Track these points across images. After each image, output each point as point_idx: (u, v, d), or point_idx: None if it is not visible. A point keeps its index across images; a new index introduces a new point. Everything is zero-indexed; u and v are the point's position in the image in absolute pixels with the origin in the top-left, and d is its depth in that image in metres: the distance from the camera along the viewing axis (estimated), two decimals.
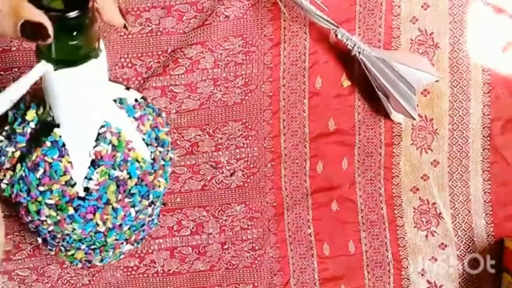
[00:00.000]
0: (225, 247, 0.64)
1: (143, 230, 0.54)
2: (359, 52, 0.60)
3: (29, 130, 0.45)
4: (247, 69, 0.63)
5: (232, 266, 0.65)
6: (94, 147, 0.44)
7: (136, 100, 0.49)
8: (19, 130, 0.45)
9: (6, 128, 0.46)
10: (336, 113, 0.65)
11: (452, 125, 0.65)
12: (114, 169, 0.45)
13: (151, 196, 0.48)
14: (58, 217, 0.45)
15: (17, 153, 0.45)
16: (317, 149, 0.65)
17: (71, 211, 0.45)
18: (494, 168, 0.65)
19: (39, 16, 0.34)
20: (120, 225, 0.48)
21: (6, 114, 0.47)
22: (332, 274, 0.65)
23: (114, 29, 0.62)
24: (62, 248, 0.52)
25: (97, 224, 0.46)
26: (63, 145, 0.44)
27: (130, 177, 0.46)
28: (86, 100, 0.42)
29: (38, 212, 0.46)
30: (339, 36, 0.60)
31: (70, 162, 0.44)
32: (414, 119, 0.60)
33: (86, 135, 0.45)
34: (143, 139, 0.47)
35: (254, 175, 0.64)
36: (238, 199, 0.64)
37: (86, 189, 0.45)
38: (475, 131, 0.65)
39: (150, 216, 0.52)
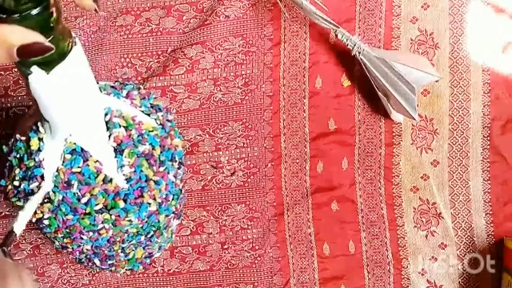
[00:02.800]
0: (225, 247, 0.64)
1: (182, 199, 0.55)
2: (359, 52, 0.60)
3: (41, 158, 0.45)
4: (247, 69, 0.63)
5: (232, 266, 0.65)
6: (109, 136, 0.45)
7: (112, 87, 0.50)
8: (32, 164, 0.45)
9: (16, 171, 0.46)
10: (336, 113, 0.65)
11: (452, 125, 0.65)
12: (137, 146, 0.46)
13: (177, 158, 0.50)
14: (113, 217, 0.46)
15: (43, 185, 0.45)
16: (317, 149, 0.65)
17: (121, 204, 0.46)
18: (494, 168, 0.65)
19: (29, 35, 0.32)
20: (166, 196, 0.49)
21: (9, 162, 0.47)
22: (332, 274, 0.65)
23: (114, 29, 0.62)
24: (122, 254, 0.53)
25: (149, 204, 0.47)
26: (82, 149, 0.44)
27: (153, 147, 0.47)
28: (85, 90, 0.42)
29: (93, 223, 0.46)
30: (339, 36, 0.60)
31: (97, 161, 0.45)
32: (414, 119, 0.60)
33: (97, 129, 0.45)
34: (142, 111, 0.49)
35: (254, 175, 0.64)
36: (238, 199, 0.64)
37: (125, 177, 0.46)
38: (475, 131, 0.65)
39: (181, 181, 0.53)
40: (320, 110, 0.64)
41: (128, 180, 0.46)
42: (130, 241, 0.50)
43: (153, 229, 0.51)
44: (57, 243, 0.51)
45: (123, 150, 0.45)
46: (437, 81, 0.61)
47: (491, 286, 0.65)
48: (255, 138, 0.64)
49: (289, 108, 0.64)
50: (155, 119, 0.49)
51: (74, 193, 0.44)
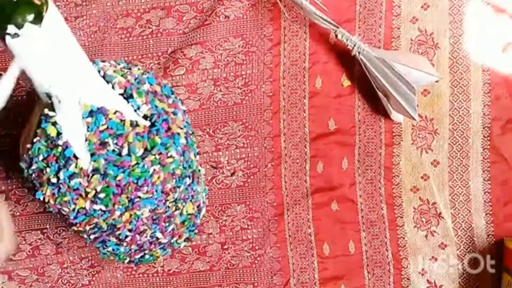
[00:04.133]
0: (225, 247, 0.64)
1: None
2: (359, 52, 0.60)
3: (65, 139, 0.46)
4: (247, 69, 0.63)
5: (232, 266, 0.65)
6: (113, 85, 0.48)
7: None
8: (59, 150, 0.46)
9: (48, 170, 0.47)
10: (336, 113, 0.65)
11: (452, 125, 0.65)
12: (139, 87, 0.49)
13: (172, 95, 0.53)
14: (157, 156, 0.47)
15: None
16: (317, 149, 0.65)
17: (158, 139, 0.47)
18: (494, 168, 0.65)
19: None
20: (187, 130, 0.52)
21: (33, 172, 0.48)
22: (332, 274, 0.65)
23: (115, 31, 0.62)
24: (177, 213, 0.53)
25: (179, 134, 0.50)
26: (97, 108, 0.46)
27: (151, 85, 0.51)
28: (72, 45, 0.44)
29: (143, 170, 0.47)
30: (339, 36, 0.60)
31: (116, 112, 0.46)
32: (414, 119, 0.60)
33: (99, 83, 0.47)
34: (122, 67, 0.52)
35: (254, 175, 0.64)
36: (238, 199, 0.64)
37: (145, 117, 0.48)
38: (475, 131, 0.65)
39: (188, 124, 0.55)
40: (320, 110, 0.64)
41: (150, 117, 0.48)
42: (179, 187, 0.50)
43: (190, 170, 0.52)
44: (113, 239, 0.51)
45: (131, 94, 0.47)
46: (437, 81, 0.61)
47: (491, 286, 0.65)
48: (255, 138, 0.64)
49: (289, 108, 0.64)
50: (138, 68, 0.52)
51: (113, 150, 0.45)
